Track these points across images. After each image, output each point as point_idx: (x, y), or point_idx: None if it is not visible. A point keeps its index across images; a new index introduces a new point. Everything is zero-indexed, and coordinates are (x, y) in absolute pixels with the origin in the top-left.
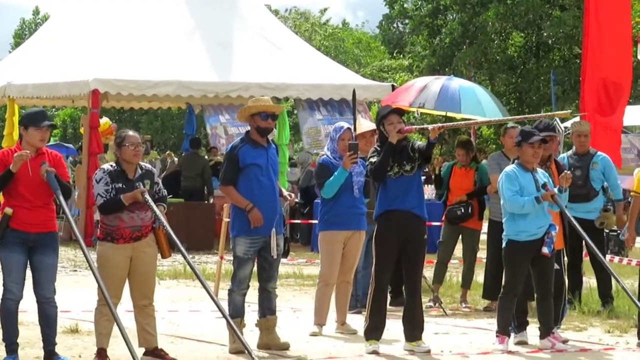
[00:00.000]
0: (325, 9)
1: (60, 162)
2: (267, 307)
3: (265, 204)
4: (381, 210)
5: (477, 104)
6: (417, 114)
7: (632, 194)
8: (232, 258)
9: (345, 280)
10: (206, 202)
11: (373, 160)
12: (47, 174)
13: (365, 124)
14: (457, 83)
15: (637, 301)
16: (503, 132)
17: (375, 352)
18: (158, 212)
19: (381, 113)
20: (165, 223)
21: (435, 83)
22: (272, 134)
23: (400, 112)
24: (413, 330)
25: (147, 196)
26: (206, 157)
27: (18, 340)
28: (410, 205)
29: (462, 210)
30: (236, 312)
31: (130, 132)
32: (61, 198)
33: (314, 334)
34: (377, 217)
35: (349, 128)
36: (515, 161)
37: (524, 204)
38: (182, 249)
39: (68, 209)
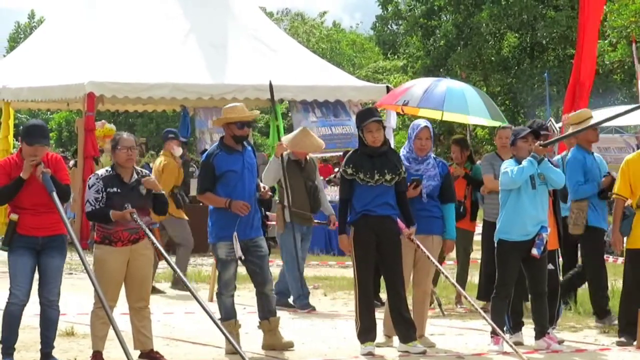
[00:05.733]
0: (325, 12)
1: (60, 165)
2: (267, 310)
3: None
4: (357, 214)
5: (463, 102)
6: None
7: (614, 196)
8: None
9: (421, 289)
10: (201, 204)
11: (349, 173)
12: (43, 175)
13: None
14: (445, 84)
15: None
16: (495, 133)
17: (370, 354)
18: (147, 230)
19: (361, 118)
20: (154, 239)
21: (422, 83)
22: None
23: (380, 120)
24: (407, 330)
25: (136, 216)
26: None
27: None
28: (386, 210)
29: None
30: (228, 315)
31: (125, 135)
32: (56, 199)
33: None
34: (353, 221)
35: (426, 127)
36: (513, 158)
37: (523, 167)
38: (170, 260)
39: (64, 212)
